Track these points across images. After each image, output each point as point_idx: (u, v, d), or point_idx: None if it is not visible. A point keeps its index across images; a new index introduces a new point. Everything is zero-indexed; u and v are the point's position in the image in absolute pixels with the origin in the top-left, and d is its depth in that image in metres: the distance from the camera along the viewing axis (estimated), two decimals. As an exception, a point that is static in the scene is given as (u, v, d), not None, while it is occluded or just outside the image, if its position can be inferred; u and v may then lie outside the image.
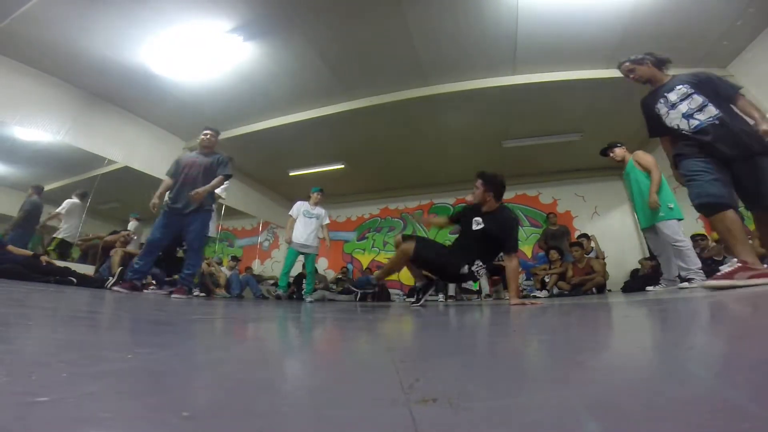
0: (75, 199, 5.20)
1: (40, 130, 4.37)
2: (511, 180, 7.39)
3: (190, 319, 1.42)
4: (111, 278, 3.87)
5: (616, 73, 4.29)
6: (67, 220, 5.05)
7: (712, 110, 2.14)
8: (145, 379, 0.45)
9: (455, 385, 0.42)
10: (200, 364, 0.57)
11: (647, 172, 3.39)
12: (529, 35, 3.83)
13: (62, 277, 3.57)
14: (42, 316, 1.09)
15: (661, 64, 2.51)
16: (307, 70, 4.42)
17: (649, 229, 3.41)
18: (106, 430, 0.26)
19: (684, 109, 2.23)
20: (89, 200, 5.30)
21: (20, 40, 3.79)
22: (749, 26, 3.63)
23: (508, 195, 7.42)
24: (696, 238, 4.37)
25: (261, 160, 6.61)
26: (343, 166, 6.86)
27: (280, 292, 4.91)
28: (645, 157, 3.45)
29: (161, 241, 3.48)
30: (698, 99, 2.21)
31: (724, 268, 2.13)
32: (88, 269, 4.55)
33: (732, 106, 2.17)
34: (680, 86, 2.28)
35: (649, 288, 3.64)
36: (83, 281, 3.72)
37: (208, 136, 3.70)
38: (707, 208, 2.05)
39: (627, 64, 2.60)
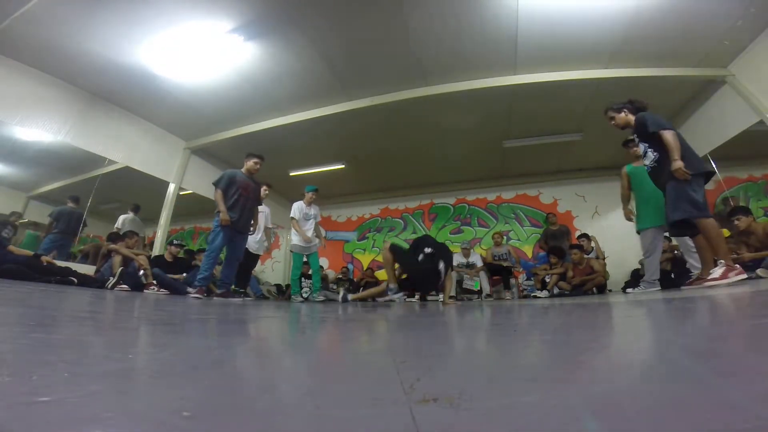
0: (131, 214, 5.60)
1: (41, 131, 4.36)
2: (512, 180, 7.53)
3: (191, 319, 1.42)
4: (112, 278, 3.87)
5: (616, 73, 4.35)
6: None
7: (650, 155, 2.75)
8: (146, 379, 0.45)
9: (455, 385, 0.42)
10: (200, 364, 0.57)
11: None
12: (529, 35, 3.82)
13: (63, 277, 3.57)
14: (43, 316, 1.09)
15: (638, 110, 2.88)
16: (307, 70, 4.41)
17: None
18: (107, 430, 0.26)
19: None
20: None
21: (20, 40, 3.78)
22: (750, 26, 3.62)
23: (508, 195, 7.54)
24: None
25: (261, 160, 6.61)
26: (343, 166, 6.85)
27: (298, 298, 4.96)
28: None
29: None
30: (641, 147, 2.84)
31: (716, 271, 2.40)
32: (88, 269, 4.55)
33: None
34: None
35: (629, 290, 3.69)
36: (84, 281, 3.72)
37: (258, 165, 4.22)
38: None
39: (610, 112, 3.00)
